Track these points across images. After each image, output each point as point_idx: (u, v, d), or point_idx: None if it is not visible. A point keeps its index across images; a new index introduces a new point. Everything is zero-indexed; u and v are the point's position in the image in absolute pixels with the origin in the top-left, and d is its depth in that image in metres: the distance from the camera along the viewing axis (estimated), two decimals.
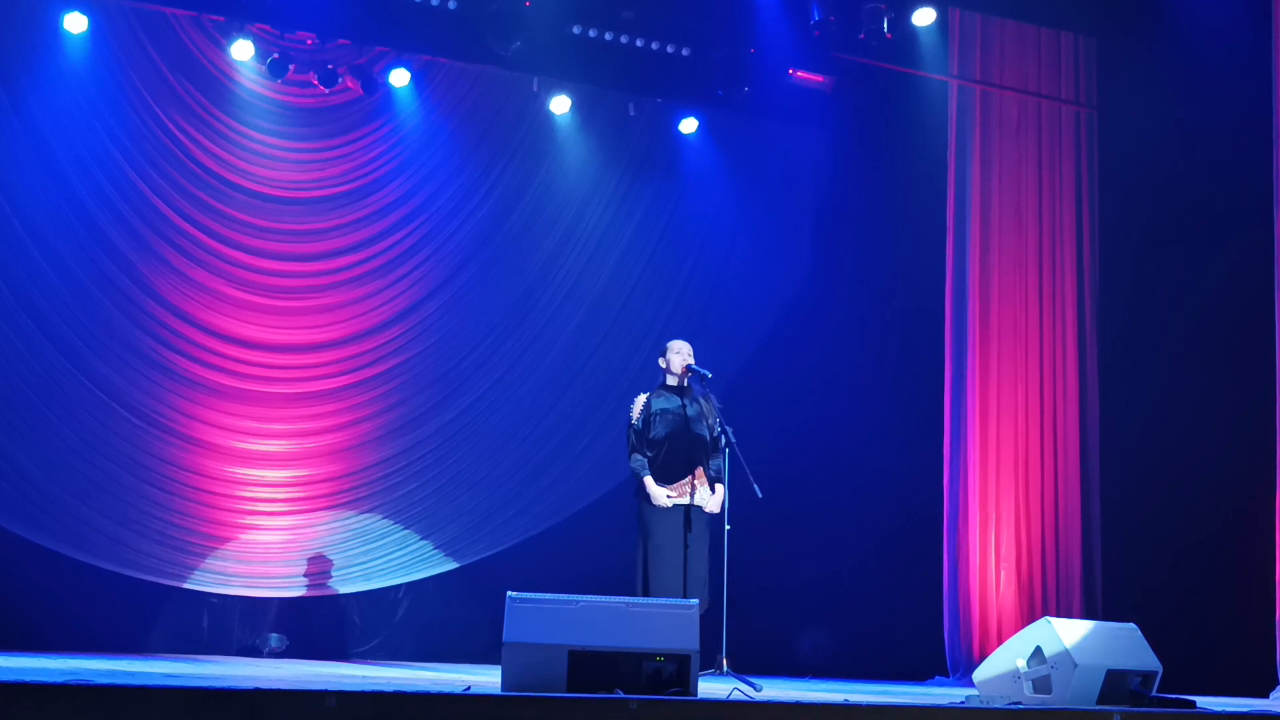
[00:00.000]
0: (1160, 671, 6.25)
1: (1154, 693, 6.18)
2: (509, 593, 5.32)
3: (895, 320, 11.08)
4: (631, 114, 11.12)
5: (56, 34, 9.61)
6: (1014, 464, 10.15)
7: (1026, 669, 6.14)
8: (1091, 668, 5.98)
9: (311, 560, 10.29)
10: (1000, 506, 10.07)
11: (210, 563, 9.98)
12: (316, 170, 10.49)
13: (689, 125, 11.28)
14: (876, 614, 10.54)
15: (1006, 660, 6.26)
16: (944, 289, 10.37)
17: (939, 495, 10.21)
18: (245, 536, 10.13)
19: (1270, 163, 8.81)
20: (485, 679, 6.20)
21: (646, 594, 7.58)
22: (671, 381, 7.96)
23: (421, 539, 10.62)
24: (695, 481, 7.76)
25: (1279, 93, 8.79)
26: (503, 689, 5.13)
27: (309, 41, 10.14)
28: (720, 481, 7.82)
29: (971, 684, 6.70)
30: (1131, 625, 6.43)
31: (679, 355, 7.94)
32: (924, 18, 10.34)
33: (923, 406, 10.54)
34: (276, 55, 9.98)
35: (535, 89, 10.77)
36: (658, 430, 7.82)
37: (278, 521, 10.24)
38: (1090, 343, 10.45)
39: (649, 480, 7.76)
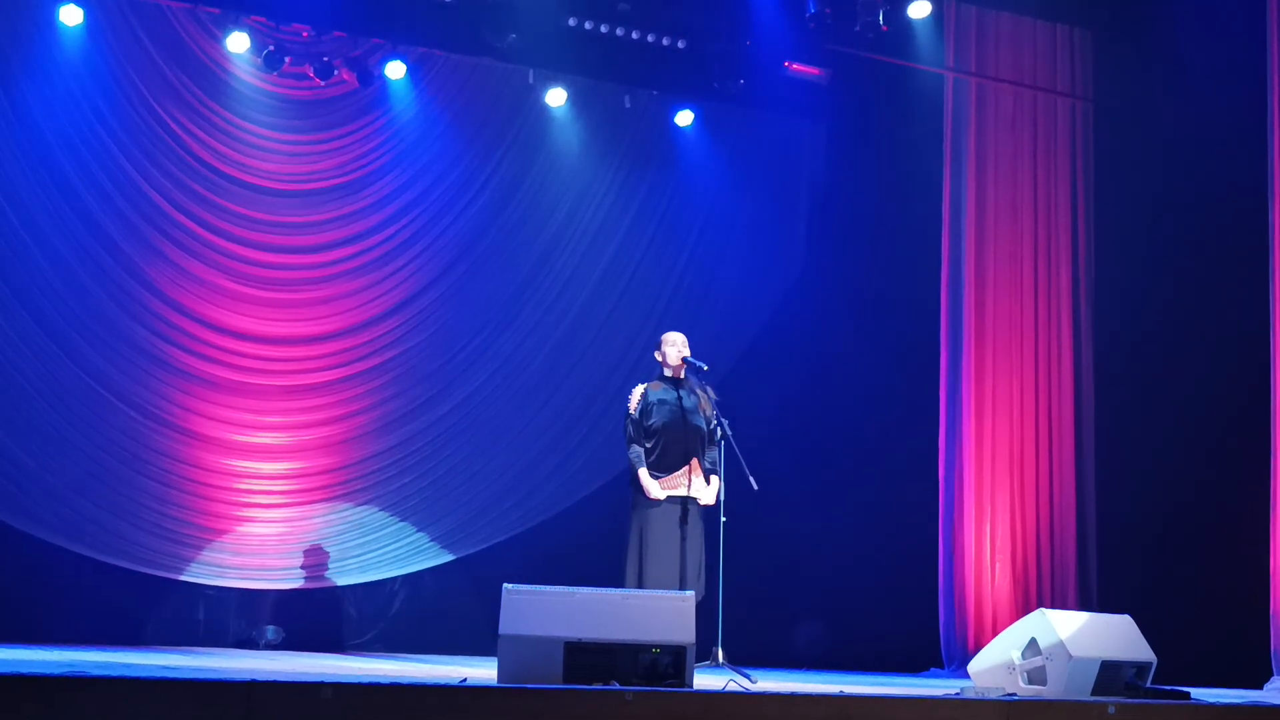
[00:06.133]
0: (1155, 663, 6.27)
1: (1149, 684, 6.20)
2: (505, 585, 5.34)
3: (891, 312, 11.07)
4: (627, 106, 11.12)
5: (52, 27, 9.60)
6: (1009, 456, 10.15)
7: (1021, 660, 6.15)
8: (1086, 659, 5.99)
9: (308, 552, 10.29)
10: (995, 499, 10.08)
11: (206, 555, 9.98)
12: (312, 163, 10.48)
13: (684, 118, 11.28)
14: (872, 606, 10.55)
15: (1001, 652, 6.28)
16: (939, 281, 10.37)
17: (934, 487, 10.21)
18: (241, 529, 10.13)
19: (1266, 154, 8.81)
20: (481, 671, 6.21)
21: (639, 585, 7.58)
22: (668, 374, 7.98)
23: (418, 531, 10.62)
24: (691, 473, 7.77)
25: (1274, 85, 8.78)
26: (499, 681, 5.14)
27: (304, 34, 10.13)
28: (716, 473, 7.83)
29: (967, 676, 6.71)
30: (1126, 617, 6.45)
31: (674, 347, 7.96)
32: (919, 10, 10.33)
33: (918, 398, 10.54)
34: (272, 47, 9.97)
35: (531, 81, 10.78)
36: (655, 420, 7.82)
37: (274, 514, 10.25)
38: (1085, 334, 10.45)
39: (644, 473, 7.76)
